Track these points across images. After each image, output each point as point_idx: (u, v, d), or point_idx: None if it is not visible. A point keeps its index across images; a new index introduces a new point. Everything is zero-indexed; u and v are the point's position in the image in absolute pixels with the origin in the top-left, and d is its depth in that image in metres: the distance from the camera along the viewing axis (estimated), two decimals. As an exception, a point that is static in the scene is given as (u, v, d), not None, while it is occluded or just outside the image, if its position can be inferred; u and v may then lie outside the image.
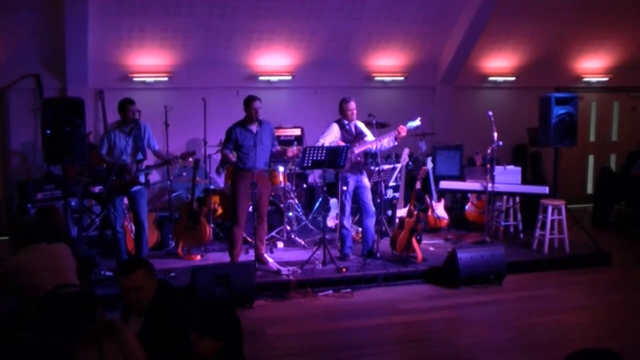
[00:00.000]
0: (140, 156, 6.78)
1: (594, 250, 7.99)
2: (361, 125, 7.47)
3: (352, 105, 7.32)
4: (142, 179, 6.80)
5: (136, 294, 3.46)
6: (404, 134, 7.21)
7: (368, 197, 7.45)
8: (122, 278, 3.48)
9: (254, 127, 6.96)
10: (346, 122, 7.40)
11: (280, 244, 8.13)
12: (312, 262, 7.11)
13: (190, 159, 7.24)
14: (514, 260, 7.45)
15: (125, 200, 6.97)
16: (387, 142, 7.32)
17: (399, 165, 8.39)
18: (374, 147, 7.34)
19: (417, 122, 7.31)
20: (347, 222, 7.51)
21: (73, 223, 7.50)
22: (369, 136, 7.42)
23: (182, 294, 3.96)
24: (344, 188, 7.36)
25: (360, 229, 8.15)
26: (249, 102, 6.97)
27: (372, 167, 7.77)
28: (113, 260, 6.92)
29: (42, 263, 4.19)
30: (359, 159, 7.33)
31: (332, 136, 7.35)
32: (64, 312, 3.99)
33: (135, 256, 6.77)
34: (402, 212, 7.86)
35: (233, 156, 6.91)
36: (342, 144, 7.28)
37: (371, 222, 7.48)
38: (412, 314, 6.23)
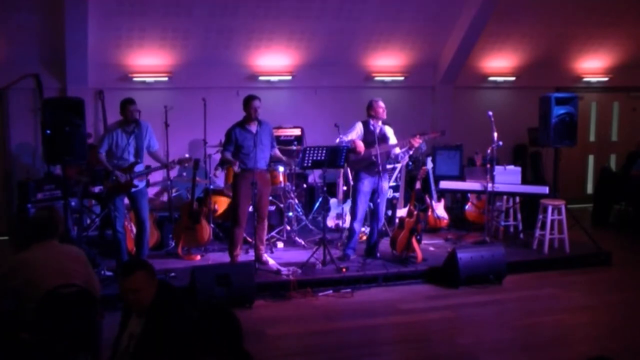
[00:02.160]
0: (138, 159, 6.77)
1: (594, 250, 7.99)
2: (389, 131, 7.44)
3: (379, 103, 7.33)
4: (139, 182, 6.78)
5: (135, 295, 3.45)
6: (416, 144, 7.21)
7: (383, 201, 7.41)
8: (122, 279, 3.47)
9: (253, 127, 6.96)
10: (371, 122, 7.37)
11: (280, 244, 8.13)
12: (312, 262, 7.11)
13: (187, 165, 7.22)
14: (514, 260, 7.45)
15: (126, 200, 6.96)
16: (399, 150, 7.34)
17: (399, 165, 8.39)
18: (393, 152, 7.34)
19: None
20: (358, 226, 7.44)
21: (73, 223, 7.50)
22: (392, 140, 7.40)
23: (182, 294, 3.95)
24: (365, 189, 7.26)
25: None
26: (248, 101, 6.98)
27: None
28: (113, 260, 6.92)
29: (49, 261, 4.15)
30: (373, 158, 7.20)
31: (354, 134, 7.33)
32: (64, 312, 3.99)
33: (135, 257, 6.77)
34: (402, 212, 7.87)
35: (237, 167, 6.92)
36: (359, 142, 7.26)
37: (377, 225, 7.48)
38: (412, 314, 6.23)
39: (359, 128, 7.37)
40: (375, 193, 7.37)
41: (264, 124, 7.06)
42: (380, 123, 7.36)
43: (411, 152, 7.46)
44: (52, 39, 8.40)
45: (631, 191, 9.91)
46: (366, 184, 7.32)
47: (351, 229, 7.49)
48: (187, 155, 7.24)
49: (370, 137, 7.30)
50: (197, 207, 7.68)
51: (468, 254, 7.00)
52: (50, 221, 4.30)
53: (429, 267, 7.22)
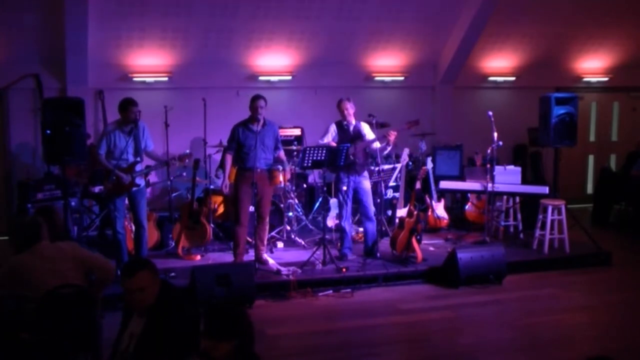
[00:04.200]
0: (138, 158, 6.77)
1: (594, 250, 7.99)
2: (365, 127, 7.44)
3: (346, 104, 7.35)
4: (140, 181, 6.79)
5: (141, 295, 3.44)
6: (392, 137, 7.22)
7: (367, 200, 7.42)
8: (127, 280, 3.46)
9: (256, 127, 6.96)
10: (345, 122, 7.40)
11: (280, 244, 8.13)
12: (312, 262, 7.11)
13: (187, 160, 7.22)
14: (514, 260, 7.45)
15: (126, 200, 6.95)
16: (378, 145, 7.34)
17: (399, 165, 8.39)
18: (372, 147, 7.35)
19: None
20: (346, 224, 7.48)
21: (73, 223, 7.49)
22: (369, 136, 7.40)
23: (182, 294, 3.95)
24: (344, 188, 7.36)
25: (360, 229, 8.15)
26: (252, 100, 6.99)
27: (372, 167, 7.78)
28: (113, 261, 6.90)
29: (44, 263, 4.15)
30: (351, 158, 7.29)
31: (328, 136, 7.42)
32: (64, 312, 3.99)
33: (137, 257, 6.76)
34: (402, 212, 7.86)
35: (226, 189, 7.13)
36: (333, 144, 7.29)
37: (370, 225, 7.49)
38: (412, 314, 6.23)
39: (332, 129, 7.44)
40: (356, 192, 7.38)
41: (269, 125, 7.05)
42: (354, 121, 7.37)
43: (390, 147, 7.48)
44: (52, 39, 8.40)
45: (631, 191, 9.91)
46: (345, 183, 7.35)
47: (341, 229, 7.53)
48: (187, 152, 7.23)
49: (344, 137, 7.33)
50: (197, 207, 7.68)
51: (468, 254, 7.00)
52: (33, 226, 4.29)
53: (429, 267, 7.22)
